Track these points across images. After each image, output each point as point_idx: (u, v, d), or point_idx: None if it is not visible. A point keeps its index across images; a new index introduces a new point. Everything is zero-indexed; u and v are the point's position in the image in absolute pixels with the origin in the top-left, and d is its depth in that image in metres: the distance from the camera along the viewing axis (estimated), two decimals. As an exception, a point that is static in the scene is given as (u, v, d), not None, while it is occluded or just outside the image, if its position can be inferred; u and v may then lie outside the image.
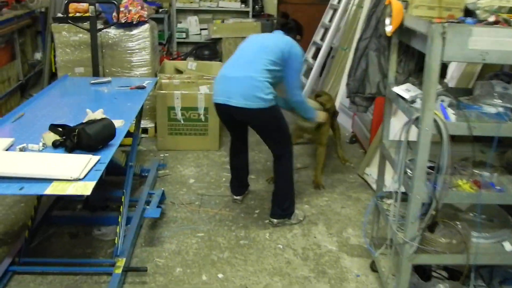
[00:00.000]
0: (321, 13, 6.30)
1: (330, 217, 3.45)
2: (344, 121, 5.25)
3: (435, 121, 1.98)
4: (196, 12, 6.96)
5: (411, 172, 2.20)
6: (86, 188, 1.95)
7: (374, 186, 3.86)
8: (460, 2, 2.26)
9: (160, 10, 6.53)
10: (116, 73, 4.54)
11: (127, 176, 3.07)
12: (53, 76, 6.03)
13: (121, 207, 2.88)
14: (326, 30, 6.04)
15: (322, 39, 6.10)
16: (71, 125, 2.36)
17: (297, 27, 3.47)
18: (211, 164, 4.19)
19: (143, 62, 4.54)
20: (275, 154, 3.26)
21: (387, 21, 2.34)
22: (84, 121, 2.38)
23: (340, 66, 5.72)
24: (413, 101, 2.25)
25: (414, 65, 2.52)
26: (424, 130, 1.98)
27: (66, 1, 4.06)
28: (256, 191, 3.75)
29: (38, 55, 6.64)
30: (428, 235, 2.21)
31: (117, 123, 2.64)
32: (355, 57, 2.48)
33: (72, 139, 2.22)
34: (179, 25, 6.95)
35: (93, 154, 2.19)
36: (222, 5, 6.82)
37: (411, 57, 2.50)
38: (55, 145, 2.28)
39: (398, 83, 2.52)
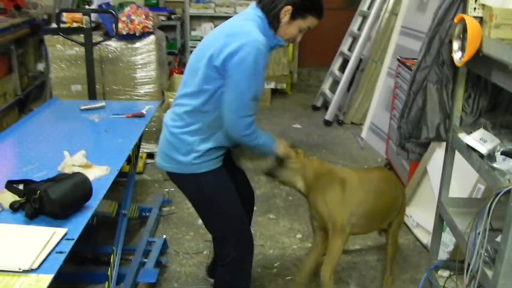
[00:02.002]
0: (349, 20, 5.70)
1: (364, 273, 2.85)
2: (376, 144, 4.63)
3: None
4: (211, 18, 6.40)
5: (488, 255, 1.59)
6: (38, 286, 1.39)
7: (415, 231, 3.25)
8: (558, 20, 1.65)
9: (173, 16, 5.99)
10: (117, 91, 4.00)
11: (118, 228, 2.52)
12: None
13: (109, 269, 2.32)
14: (355, 39, 5.45)
15: (350, 49, 5.52)
16: (41, 176, 1.83)
17: None
18: (223, 199, 3.61)
19: (148, 79, 3.99)
20: (215, 243, 2.27)
21: (456, 45, 1.74)
22: (54, 176, 1.82)
23: (370, 81, 5.11)
24: (491, 157, 1.64)
25: (487, 102, 1.91)
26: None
27: (57, 11, 3.53)
28: (276, 237, 3.16)
29: (41, 66, 6.16)
30: None
31: (100, 170, 2.09)
32: (410, 92, 1.87)
33: (33, 203, 1.67)
34: (193, 33, 6.40)
35: (62, 221, 1.66)
36: (240, 11, 6.21)
37: (483, 91, 1.90)
38: (14, 208, 1.73)
39: (464, 125, 1.92)
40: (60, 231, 1.60)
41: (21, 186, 1.80)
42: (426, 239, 3.12)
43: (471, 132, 1.83)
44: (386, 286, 2.62)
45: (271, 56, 6.42)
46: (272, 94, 6.06)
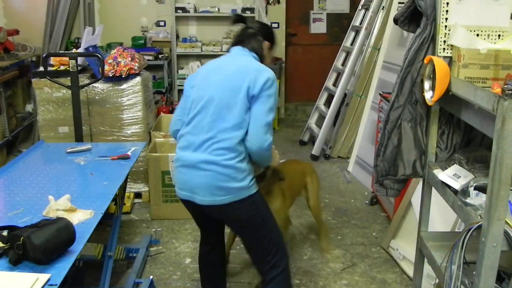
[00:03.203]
0: (334, 55, 5.83)
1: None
2: (363, 177, 4.68)
3: (506, 233, 1.41)
4: (198, 57, 6.52)
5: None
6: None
7: (401, 264, 3.26)
8: (522, 59, 1.73)
9: (160, 56, 6.10)
10: (104, 132, 4.03)
11: (104, 270, 2.51)
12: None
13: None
14: (339, 74, 5.56)
15: (335, 84, 5.63)
16: (25, 221, 1.84)
17: (263, 30, 2.36)
18: (211, 237, 3.61)
19: (135, 120, 4.04)
20: (265, 277, 2.32)
21: (427, 84, 1.81)
22: (38, 222, 1.83)
23: (355, 115, 5.20)
24: (465, 192, 1.69)
25: (461, 137, 1.97)
26: (490, 247, 1.40)
27: (44, 55, 3.59)
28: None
29: (29, 107, 6.21)
30: None
31: (85, 214, 2.11)
32: (385, 131, 1.93)
33: (16, 249, 1.68)
34: (180, 72, 6.50)
35: (46, 266, 1.67)
36: (226, 49, 6.35)
37: (456, 127, 1.96)
38: (-3, 255, 1.74)
39: (440, 161, 1.97)
40: (43, 277, 1.61)
41: (5, 232, 1.82)
42: (412, 272, 3.13)
43: (446, 168, 1.88)
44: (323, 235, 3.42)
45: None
46: (260, 130, 6.11)
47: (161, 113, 4.79)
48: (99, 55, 3.47)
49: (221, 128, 2.11)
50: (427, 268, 2.96)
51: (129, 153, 2.94)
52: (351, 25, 5.59)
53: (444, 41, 1.83)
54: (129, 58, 3.88)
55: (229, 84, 2.14)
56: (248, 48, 2.28)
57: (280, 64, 6.54)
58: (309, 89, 6.89)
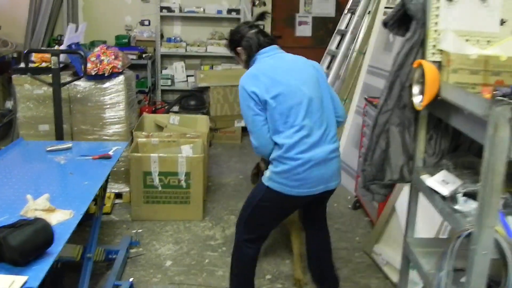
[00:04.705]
0: (318, 59, 5.81)
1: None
2: (346, 181, 4.66)
3: (496, 241, 1.40)
4: (182, 57, 6.46)
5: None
6: None
7: (385, 269, 3.25)
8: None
9: (144, 55, 6.02)
10: (86, 131, 3.95)
11: (83, 272, 2.45)
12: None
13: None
14: (324, 78, 5.54)
15: (319, 88, 5.60)
16: (1, 220, 1.78)
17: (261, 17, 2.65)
18: (192, 240, 3.56)
19: (117, 119, 3.96)
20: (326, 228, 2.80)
21: (416, 89, 1.80)
22: (15, 222, 1.76)
23: (339, 119, 5.18)
24: (453, 199, 1.67)
25: (449, 143, 1.96)
26: (480, 254, 1.39)
27: (25, 51, 3.50)
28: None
29: (9, 104, 6.08)
30: None
31: (64, 215, 2.05)
32: (373, 135, 1.91)
33: (-10, 251, 1.62)
34: (164, 72, 6.42)
35: (23, 268, 1.61)
36: (211, 50, 6.32)
37: (445, 132, 1.95)
38: (-29, 256, 1.67)
39: (427, 166, 1.96)
40: (19, 279, 1.55)
41: (-20, 233, 1.75)
42: (395, 277, 3.12)
43: (434, 174, 1.87)
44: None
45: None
46: (243, 132, 6.07)
47: (144, 113, 4.72)
48: (82, 53, 3.40)
49: (327, 119, 2.36)
50: (411, 274, 2.97)
51: (110, 152, 2.88)
52: (336, 28, 5.58)
53: (434, 46, 1.82)
54: (113, 57, 3.81)
55: (310, 80, 2.36)
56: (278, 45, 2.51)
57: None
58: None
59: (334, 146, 2.38)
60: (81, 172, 2.59)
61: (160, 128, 4.52)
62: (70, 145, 2.98)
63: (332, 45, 5.58)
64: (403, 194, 3.25)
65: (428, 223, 3.02)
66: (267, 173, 2.36)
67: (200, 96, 5.78)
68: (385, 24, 1.97)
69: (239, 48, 2.51)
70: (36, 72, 3.65)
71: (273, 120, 2.27)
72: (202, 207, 3.85)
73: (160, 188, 3.74)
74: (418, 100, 1.77)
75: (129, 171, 3.77)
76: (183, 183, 3.74)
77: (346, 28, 5.40)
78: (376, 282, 3.16)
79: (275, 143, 2.29)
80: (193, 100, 5.72)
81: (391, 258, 3.24)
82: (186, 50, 6.32)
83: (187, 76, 6.41)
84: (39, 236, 1.69)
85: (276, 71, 2.33)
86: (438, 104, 1.73)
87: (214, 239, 3.58)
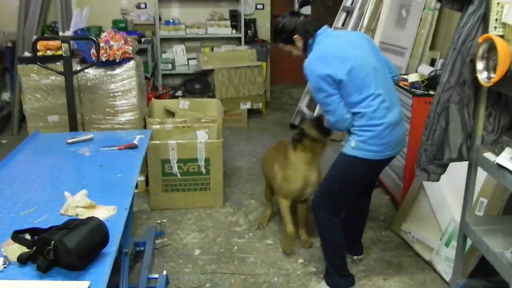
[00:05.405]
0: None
1: None
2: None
3: None
4: (182, 40, 6.29)
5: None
6: None
7: (415, 246, 3.21)
8: None
9: (143, 40, 5.85)
10: (97, 120, 3.82)
11: (122, 269, 2.36)
12: (24, 118, 5.28)
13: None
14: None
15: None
16: (42, 220, 1.70)
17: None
18: (217, 227, 3.48)
19: (129, 106, 3.83)
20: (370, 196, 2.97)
21: (480, 65, 1.71)
22: (66, 223, 1.66)
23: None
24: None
25: (508, 119, 1.89)
26: None
27: (34, 39, 3.34)
28: (278, 263, 3.05)
29: (6, 95, 5.89)
30: None
31: (108, 211, 1.95)
32: (434, 114, 1.83)
33: (46, 255, 1.51)
34: (163, 55, 6.26)
35: (80, 272, 1.52)
36: (211, 31, 6.17)
37: (504, 108, 1.88)
38: (22, 261, 1.57)
39: (486, 143, 1.89)
40: (82, 285, 1.46)
41: (27, 236, 1.65)
42: (427, 255, 3.09)
43: (495, 151, 1.81)
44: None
45: (246, 76, 6.32)
46: (248, 114, 5.98)
47: (152, 99, 4.58)
48: (94, 39, 3.25)
49: (389, 83, 2.46)
50: (445, 251, 2.94)
51: (135, 141, 2.77)
52: (342, 5, 5.47)
53: (496, 19, 1.73)
54: (122, 41, 3.66)
55: (369, 50, 2.44)
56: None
57: (266, 46, 6.38)
58: (294, 72, 6.69)
59: (400, 107, 2.48)
60: (110, 164, 2.48)
61: (170, 113, 4.40)
62: (91, 136, 2.86)
63: (338, 23, 5.47)
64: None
65: (460, 203, 2.97)
66: (351, 144, 2.42)
67: (205, 79, 5.64)
68: (439, -2, 1.88)
69: (295, 36, 2.50)
70: (45, 61, 3.49)
71: (349, 95, 2.33)
72: (222, 193, 3.77)
73: (179, 176, 3.64)
74: (484, 76, 1.70)
75: (146, 160, 3.66)
76: (202, 169, 3.64)
77: (351, 4, 5.29)
78: (408, 261, 3.12)
79: (354, 114, 2.37)
80: (198, 84, 5.58)
81: (421, 236, 3.20)
82: (185, 32, 6.15)
83: (188, 59, 6.26)
84: (95, 236, 1.59)
85: (340, 49, 2.39)
86: (505, 80, 1.65)
87: (239, 225, 3.51)
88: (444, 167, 1.96)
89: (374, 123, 2.33)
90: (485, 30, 1.75)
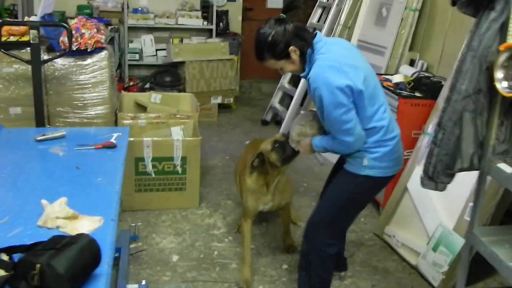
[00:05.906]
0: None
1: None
2: (335, 158, 4.52)
3: None
4: (150, 30, 6.03)
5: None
6: None
7: (400, 251, 3.16)
8: None
9: (109, 28, 5.55)
10: (64, 113, 3.56)
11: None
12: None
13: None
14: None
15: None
16: (16, 233, 1.53)
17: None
18: (194, 230, 3.31)
19: (99, 99, 3.59)
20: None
21: (500, 74, 1.63)
22: (52, 240, 1.44)
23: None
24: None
25: (521, 129, 1.82)
26: None
27: (-2, 24, 3.05)
28: (261, 270, 2.92)
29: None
30: None
31: (92, 222, 1.75)
32: (450, 122, 1.73)
33: (30, 281, 1.31)
34: (130, 45, 5.98)
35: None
36: (182, 22, 5.93)
37: (517, 118, 1.80)
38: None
39: (496, 153, 1.81)
40: (74, 315, 1.27)
41: (4, 256, 1.43)
42: (413, 259, 3.04)
43: (507, 161, 1.74)
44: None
45: (218, 70, 6.11)
46: (218, 109, 5.80)
47: (122, 91, 4.33)
48: (66, 26, 2.99)
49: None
50: (433, 256, 2.89)
51: (112, 140, 2.55)
52: (318, 1, 5.36)
53: (515, 26, 1.64)
54: (95, 30, 3.41)
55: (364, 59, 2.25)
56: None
57: (237, 39, 6.20)
58: (264, 66, 6.61)
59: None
60: (88, 166, 2.25)
61: (141, 107, 4.18)
62: (63, 132, 2.60)
63: (313, 19, 5.36)
64: (415, 174, 3.15)
65: (448, 208, 2.94)
66: (362, 162, 2.17)
67: (175, 72, 5.41)
68: (453, 2, 1.78)
69: (291, 48, 2.09)
70: (8, 47, 3.20)
71: (363, 107, 2.07)
72: (198, 194, 3.60)
73: (153, 175, 3.44)
74: (504, 85, 1.61)
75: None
76: (178, 168, 3.46)
77: (327, 1, 5.19)
78: (394, 265, 3.06)
79: (368, 129, 2.13)
80: (168, 76, 5.34)
81: (406, 239, 3.15)
82: (155, 22, 5.89)
83: (156, 50, 6.00)
84: (86, 256, 1.40)
85: (348, 56, 2.12)
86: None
87: (217, 228, 3.35)
88: (452, 176, 1.88)
89: (389, 137, 2.16)
90: (503, 38, 1.66)
